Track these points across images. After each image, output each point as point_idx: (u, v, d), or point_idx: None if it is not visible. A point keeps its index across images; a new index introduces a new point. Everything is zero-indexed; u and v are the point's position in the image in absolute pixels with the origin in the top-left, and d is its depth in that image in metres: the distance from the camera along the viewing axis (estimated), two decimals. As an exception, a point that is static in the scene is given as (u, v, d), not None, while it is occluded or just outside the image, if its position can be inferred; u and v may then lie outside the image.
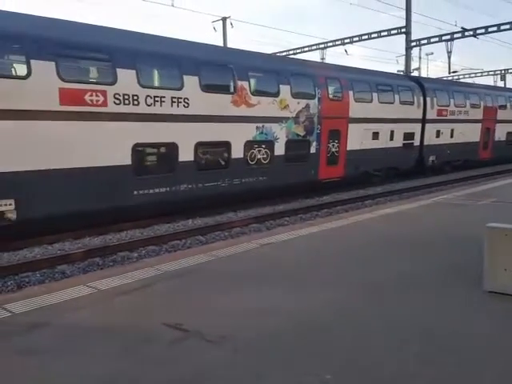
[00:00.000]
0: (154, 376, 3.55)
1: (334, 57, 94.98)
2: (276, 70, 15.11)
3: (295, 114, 15.49)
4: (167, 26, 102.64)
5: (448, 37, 28.56)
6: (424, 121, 21.31)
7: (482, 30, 27.96)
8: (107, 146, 10.91)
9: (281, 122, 15.10)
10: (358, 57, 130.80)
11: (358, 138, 18.00)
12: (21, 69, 9.82)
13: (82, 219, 10.66)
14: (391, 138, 19.61)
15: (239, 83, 13.64)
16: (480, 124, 25.30)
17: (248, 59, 14.90)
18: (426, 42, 29.90)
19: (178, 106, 12.21)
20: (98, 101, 10.62)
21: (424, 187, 18.89)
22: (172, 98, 12.09)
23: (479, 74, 48.82)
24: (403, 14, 29.27)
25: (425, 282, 5.61)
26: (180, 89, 12.30)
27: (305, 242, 7.74)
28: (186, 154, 12.61)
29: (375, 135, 18.80)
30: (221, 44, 34.46)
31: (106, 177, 10.89)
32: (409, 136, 20.66)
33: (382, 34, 29.94)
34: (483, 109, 25.42)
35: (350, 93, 17.44)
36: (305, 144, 16.13)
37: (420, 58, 53.04)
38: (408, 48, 29.97)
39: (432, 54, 57.08)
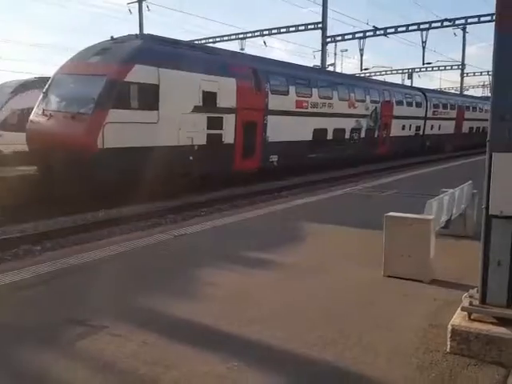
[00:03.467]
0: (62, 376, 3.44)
1: (254, 48, 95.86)
2: (365, 87, 25.77)
3: (369, 112, 25.33)
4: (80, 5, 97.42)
5: (361, 34, 29.95)
6: (426, 118, 31.53)
7: (392, 30, 29.62)
8: (305, 130, 20.54)
9: (364, 117, 24.94)
10: (277, 50, 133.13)
11: (396, 128, 28.16)
12: (284, 89, 19.50)
13: (291, 167, 19.53)
14: (410, 129, 29.84)
15: (351, 95, 23.81)
16: (454, 120, 36.00)
17: (355, 80, 27.45)
18: (340, 38, 31.12)
19: (329, 108, 21.95)
20: (306, 106, 20.44)
21: (337, 179, 19.82)
22: (328, 103, 21.91)
23: (389, 72, 51.73)
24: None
25: (329, 266, 5.91)
26: (331, 99, 22.16)
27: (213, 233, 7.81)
28: (330, 135, 22.26)
29: (403, 127, 28.93)
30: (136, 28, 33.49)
31: (302, 145, 20.30)
32: (417, 128, 30.80)
33: (300, 28, 30.70)
34: (457, 110, 36.40)
35: (394, 100, 28.02)
36: (373, 131, 25.97)
37: (335, 54, 55.11)
38: (324, 43, 30.99)
39: (346, 50, 59.61)
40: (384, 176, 17.69)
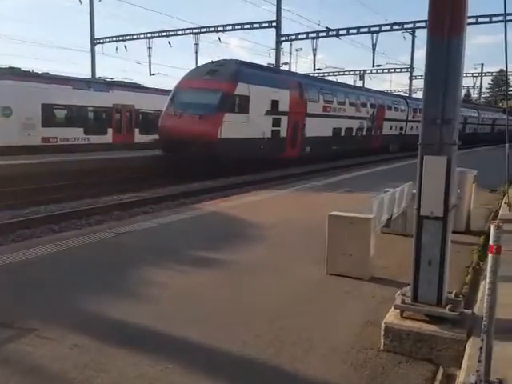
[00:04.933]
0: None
1: (208, 43, 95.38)
2: (367, 95, 33.37)
3: (369, 116, 32.32)
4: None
5: (314, 35, 30.28)
6: (407, 120, 38.93)
7: (344, 32, 30.13)
8: (328, 128, 27.23)
9: (366, 119, 32.13)
10: (233, 46, 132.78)
11: (388, 128, 35.24)
12: (316, 97, 26.51)
13: (318, 158, 25.42)
14: (395, 129, 37.09)
15: (357, 101, 31.15)
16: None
17: (361, 90, 35.64)
18: (294, 37, 31.35)
19: (344, 111, 29.03)
20: (329, 110, 27.37)
21: (289, 176, 20.07)
22: (343, 108, 28.93)
23: (341, 73, 52.66)
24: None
25: (275, 265, 5.93)
26: (344, 104, 29.08)
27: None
28: (343, 132, 29.29)
29: (392, 127, 36.21)
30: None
31: (327, 140, 27.15)
32: (401, 129, 38.20)
33: (254, 25, 30.69)
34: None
35: (386, 108, 35.32)
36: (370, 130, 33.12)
37: (291, 53, 55.50)
38: (278, 42, 31.14)
39: (301, 49, 60.00)
40: (338, 174, 18.09)
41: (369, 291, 5.12)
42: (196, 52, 33.91)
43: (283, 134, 23.49)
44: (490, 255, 2.68)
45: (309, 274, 5.64)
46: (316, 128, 25.77)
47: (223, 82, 20.22)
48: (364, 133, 31.95)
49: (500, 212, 9.21)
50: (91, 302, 4.62)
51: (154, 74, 40.61)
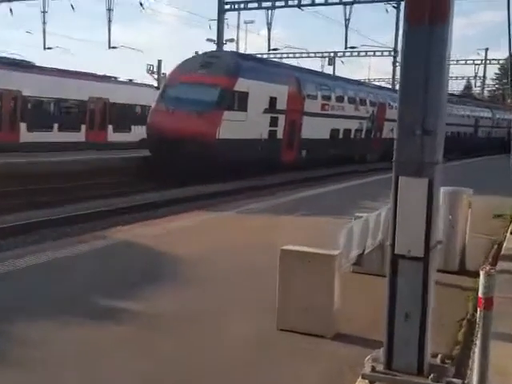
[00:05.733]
0: None
1: (126, 8, 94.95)
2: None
3: (369, 115, 36.74)
4: None
5: (269, 4, 30.78)
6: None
7: (308, 1, 30.88)
8: (324, 129, 30.76)
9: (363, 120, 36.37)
10: (165, 15, 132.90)
11: (386, 130, 37.93)
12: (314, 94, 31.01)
13: (311, 162, 28.65)
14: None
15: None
16: None
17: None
18: (243, 6, 31.82)
19: (343, 110, 33.01)
20: (327, 108, 31.53)
21: (242, 190, 20.60)
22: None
23: (305, 55, 53.70)
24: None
25: (208, 316, 5.92)
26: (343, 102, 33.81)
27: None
28: (342, 134, 33.35)
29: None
30: None
31: (322, 143, 30.04)
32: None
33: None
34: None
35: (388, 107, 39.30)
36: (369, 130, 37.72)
37: (238, 26, 56.11)
38: (221, 11, 31.48)
39: (252, 22, 60.78)
40: (301, 189, 18.51)
41: (331, 354, 5.19)
42: (109, 21, 33.74)
43: (279, 135, 26.99)
44: (479, 310, 2.80)
45: (252, 331, 5.65)
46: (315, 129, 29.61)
47: (222, 77, 23.71)
48: (363, 135, 36.76)
49: (504, 245, 9.61)
50: None
51: (50, 48, 39.92)
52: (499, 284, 7.31)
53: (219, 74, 23.64)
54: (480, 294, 2.82)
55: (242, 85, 23.89)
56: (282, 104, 26.54)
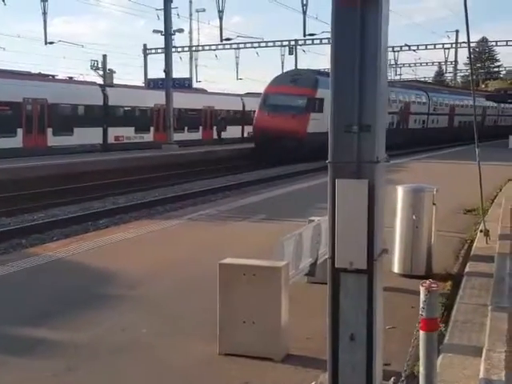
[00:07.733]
0: None
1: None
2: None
3: (398, 110, 47.28)
4: None
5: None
6: (428, 113, 54.25)
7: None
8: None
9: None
10: (108, 3, 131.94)
11: (412, 122, 51.22)
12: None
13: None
14: (418, 122, 52.93)
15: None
16: (447, 116, 60.05)
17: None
18: (191, -7, 31.54)
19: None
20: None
21: (193, 195, 20.97)
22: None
23: (263, 45, 53.65)
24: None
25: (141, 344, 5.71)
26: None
27: None
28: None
29: (414, 121, 51.95)
30: None
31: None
32: (423, 122, 53.75)
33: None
34: (449, 107, 60.20)
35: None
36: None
37: (191, 15, 55.99)
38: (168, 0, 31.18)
39: (204, 10, 60.76)
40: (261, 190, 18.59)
41: (279, 379, 5.01)
42: (44, 13, 33.20)
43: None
44: (421, 333, 2.62)
45: (190, 357, 5.45)
46: None
47: (307, 88, 36.31)
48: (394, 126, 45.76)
49: (475, 245, 9.55)
50: None
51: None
52: (470, 288, 7.28)
53: (304, 87, 36.25)
54: (421, 313, 2.62)
55: (319, 93, 35.39)
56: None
